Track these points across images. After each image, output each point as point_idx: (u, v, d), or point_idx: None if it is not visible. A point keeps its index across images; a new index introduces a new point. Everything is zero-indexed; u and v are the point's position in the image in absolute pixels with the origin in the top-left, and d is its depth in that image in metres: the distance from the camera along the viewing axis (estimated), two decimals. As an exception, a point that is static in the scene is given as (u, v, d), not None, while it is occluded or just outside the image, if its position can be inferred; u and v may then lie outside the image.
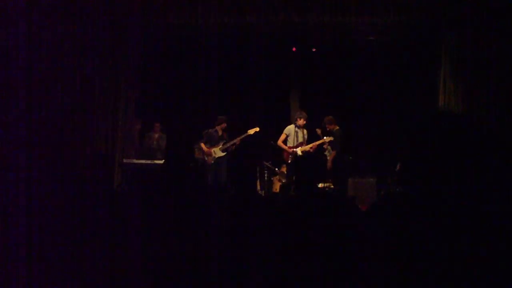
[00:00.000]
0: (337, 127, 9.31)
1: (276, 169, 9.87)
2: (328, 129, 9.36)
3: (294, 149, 9.29)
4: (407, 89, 9.78)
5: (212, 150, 9.35)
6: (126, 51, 7.35)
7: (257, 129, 9.30)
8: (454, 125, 7.18)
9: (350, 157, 9.35)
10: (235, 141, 9.30)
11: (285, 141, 9.51)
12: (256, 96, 10.51)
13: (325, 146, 9.34)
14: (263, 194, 9.39)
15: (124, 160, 8.72)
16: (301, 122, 9.30)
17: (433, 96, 8.56)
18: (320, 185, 8.91)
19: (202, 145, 9.43)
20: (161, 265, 5.66)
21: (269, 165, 9.88)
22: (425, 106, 8.88)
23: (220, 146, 9.33)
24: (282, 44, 10.06)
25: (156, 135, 9.96)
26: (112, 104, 7.96)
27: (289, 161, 9.40)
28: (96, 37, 6.58)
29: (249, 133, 9.28)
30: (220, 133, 9.40)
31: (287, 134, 9.48)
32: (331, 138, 9.22)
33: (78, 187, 6.09)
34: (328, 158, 9.26)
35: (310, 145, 9.28)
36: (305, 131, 9.42)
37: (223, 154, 9.34)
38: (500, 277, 3.88)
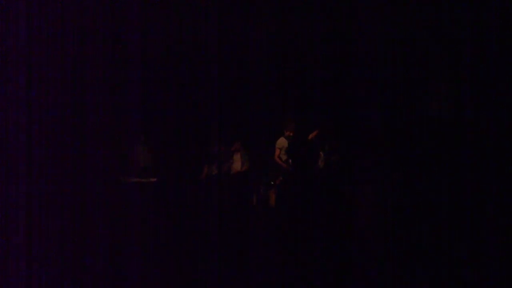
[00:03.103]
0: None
1: (272, 182, 9.87)
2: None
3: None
4: (402, 94, 9.79)
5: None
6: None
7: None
8: (447, 129, 7.18)
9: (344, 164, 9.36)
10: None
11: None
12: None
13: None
14: (258, 208, 9.39)
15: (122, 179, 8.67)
16: (289, 133, 9.41)
17: (425, 100, 8.62)
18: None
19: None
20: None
21: (265, 179, 9.89)
22: (419, 110, 8.91)
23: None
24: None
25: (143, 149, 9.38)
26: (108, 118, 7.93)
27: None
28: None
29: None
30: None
31: (280, 148, 9.53)
32: None
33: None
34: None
35: None
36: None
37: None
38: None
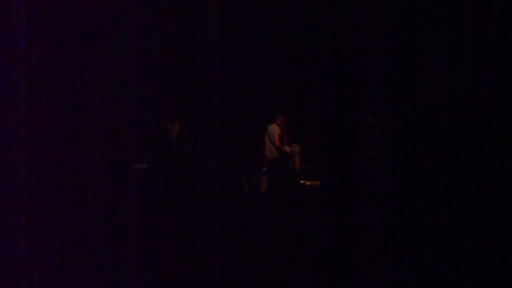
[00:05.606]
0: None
1: (264, 169, 9.93)
2: None
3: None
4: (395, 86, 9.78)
5: None
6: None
7: None
8: (440, 120, 7.20)
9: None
10: None
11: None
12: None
13: None
14: (249, 194, 9.45)
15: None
16: (281, 120, 9.50)
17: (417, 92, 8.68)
18: (307, 182, 9.09)
19: None
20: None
21: (256, 165, 9.94)
22: (411, 102, 8.94)
23: None
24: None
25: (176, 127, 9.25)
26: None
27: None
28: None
29: None
30: None
31: (278, 133, 9.63)
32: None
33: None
34: None
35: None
36: None
37: None
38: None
